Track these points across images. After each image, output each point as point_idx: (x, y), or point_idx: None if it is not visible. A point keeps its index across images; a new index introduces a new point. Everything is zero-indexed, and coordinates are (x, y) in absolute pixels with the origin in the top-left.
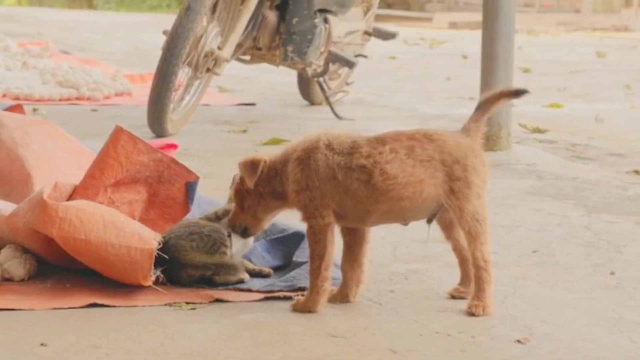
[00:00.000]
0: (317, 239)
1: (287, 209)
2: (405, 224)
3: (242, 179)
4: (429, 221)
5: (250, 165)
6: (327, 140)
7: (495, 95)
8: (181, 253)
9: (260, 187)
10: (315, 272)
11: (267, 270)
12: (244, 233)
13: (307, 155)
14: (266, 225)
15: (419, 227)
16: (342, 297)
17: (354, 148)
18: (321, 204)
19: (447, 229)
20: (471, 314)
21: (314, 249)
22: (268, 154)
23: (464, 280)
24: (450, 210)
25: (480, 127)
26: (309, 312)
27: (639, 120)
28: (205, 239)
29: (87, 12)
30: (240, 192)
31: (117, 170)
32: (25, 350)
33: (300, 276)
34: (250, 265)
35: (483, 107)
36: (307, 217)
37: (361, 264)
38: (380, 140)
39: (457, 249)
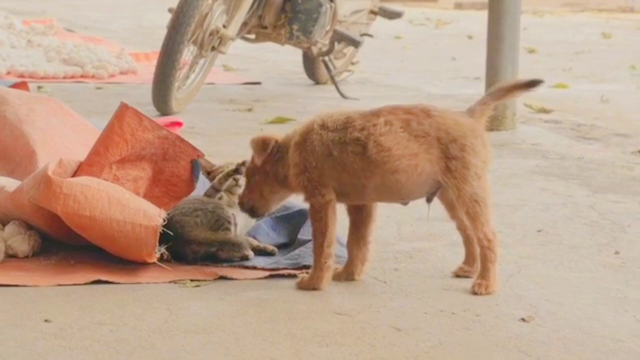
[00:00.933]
0: (318, 217)
1: (294, 194)
2: (405, 203)
3: (253, 157)
4: (429, 200)
5: (262, 143)
6: (321, 120)
7: (510, 87)
8: (185, 229)
9: (268, 166)
10: (319, 250)
11: (271, 248)
12: (252, 212)
13: (303, 139)
14: (273, 207)
15: (423, 206)
16: (347, 274)
17: (348, 123)
18: (319, 182)
19: (451, 208)
20: (474, 292)
21: (316, 227)
22: (280, 134)
23: (468, 259)
24: (449, 190)
25: (486, 111)
26: (314, 289)
27: None
28: (209, 215)
29: None
30: (250, 171)
31: (122, 147)
32: (30, 326)
33: (305, 254)
34: (255, 243)
35: (495, 94)
36: (307, 197)
37: (367, 242)
38: (375, 114)
39: (462, 228)
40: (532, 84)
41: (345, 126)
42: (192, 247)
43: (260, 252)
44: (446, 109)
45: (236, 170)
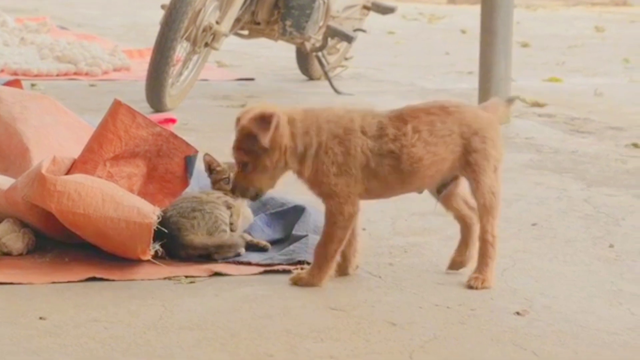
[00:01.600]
0: (345, 225)
1: (299, 177)
2: (420, 192)
3: (242, 138)
4: (439, 192)
5: (262, 121)
6: (361, 122)
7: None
8: (182, 232)
9: (274, 144)
10: (330, 254)
11: (263, 243)
12: (257, 197)
13: (347, 137)
14: (267, 189)
15: (418, 201)
16: (341, 270)
17: (382, 130)
18: (355, 190)
19: (447, 200)
20: (470, 286)
21: (337, 234)
22: (278, 106)
23: (461, 247)
24: (468, 182)
25: (499, 108)
26: (311, 286)
27: (637, 94)
28: (207, 217)
29: None
30: (241, 152)
31: (116, 144)
32: (24, 324)
33: (300, 250)
34: (248, 237)
35: (511, 101)
36: (338, 202)
37: (356, 234)
38: (401, 119)
39: (460, 217)
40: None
41: (379, 134)
42: (188, 251)
43: (253, 247)
44: (461, 102)
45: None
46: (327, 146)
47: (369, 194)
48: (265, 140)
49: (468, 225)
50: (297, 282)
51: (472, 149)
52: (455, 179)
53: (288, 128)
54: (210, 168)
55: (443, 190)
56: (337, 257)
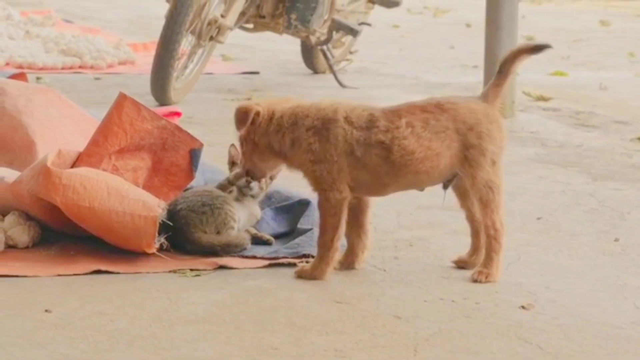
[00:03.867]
0: (333, 212)
1: (288, 168)
2: (421, 189)
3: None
4: (445, 187)
5: (242, 113)
6: (345, 112)
7: (514, 53)
8: (190, 228)
9: (255, 136)
10: (327, 244)
11: (267, 237)
12: (247, 174)
13: (324, 127)
14: (269, 172)
15: (423, 195)
16: (347, 263)
17: (372, 122)
18: (338, 178)
19: (462, 197)
20: (475, 280)
21: (329, 222)
22: (270, 102)
23: (471, 250)
24: (464, 178)
25: (499, 92)
26: (314, 279)
27: None
28: (216, 213)
29: None
30: (241, 138)
31: (121, 138)
32: (30, 316)
33: (305, 243)
34: (253, 231)
35: (503, 69)
36: (322, 189)
37: (366, 230)
38: (396, 113)
39: (471, 219)
40: (538, 48)
41: (369, 125)
42: (194, 247)
43: (258, 240)
44: (457, 97)
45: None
46: (300, 139)
47: (361, 186)
48: (240, 131)
49: (476, 231)
50: (301, 275)
51: (468, 145)
52: (457, 174)
53: (265, 125)
54: (233, 161)
55: (449, 186)
56: (337, 247)
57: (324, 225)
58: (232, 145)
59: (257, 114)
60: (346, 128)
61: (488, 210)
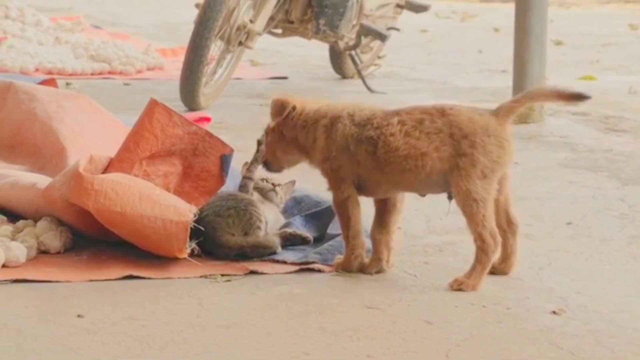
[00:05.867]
0: (340, 211)
1: (309, 165)
2: (423, 195)
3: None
4: (450, 198)
5: (279, 105)
6: (352, 110)
7: (551, 94)
8: (217, 232)
9: (284, 129)
10: (345, 240)
11: (305, 235)
12: (265, 165)
13: (331, 124)
14: (287, 166)
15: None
16: (376, 264)
17: (369, 120)
18: (338, 175)
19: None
20: (450, 286)
21: (340, 220)
22: (305, 100)
23: (502, 257)
24: (451, 186)
25: (515, 110)
26: (344, 270)
27: None
28: (242, 214)
29: None
30: (268, 129)
31: (152, 143)
32: (62, 321)
33: (334, 249)
34: (289, 230)
35: (533, 96)
36: (330, 188)
37: (390, 231)
38: (395, 113)
39: (497, 226)
40: (577, 97)
41: (365, 122)
42: (223, 251)
43: (295, 239)
44: (468, 107)
45: (258, 149)
46: (317, 137)
47: (360, 184)
48: (272, 122)
49: (502, 237)
50: (336, 269)
51: (461, 152)
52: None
53: (296, 119)
54: (245, 176)
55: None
56: (358, 243)
57: (339, 222)
58: (245, 163)
59: (294, 108)
60: (346, 124)
61: (472, 222)
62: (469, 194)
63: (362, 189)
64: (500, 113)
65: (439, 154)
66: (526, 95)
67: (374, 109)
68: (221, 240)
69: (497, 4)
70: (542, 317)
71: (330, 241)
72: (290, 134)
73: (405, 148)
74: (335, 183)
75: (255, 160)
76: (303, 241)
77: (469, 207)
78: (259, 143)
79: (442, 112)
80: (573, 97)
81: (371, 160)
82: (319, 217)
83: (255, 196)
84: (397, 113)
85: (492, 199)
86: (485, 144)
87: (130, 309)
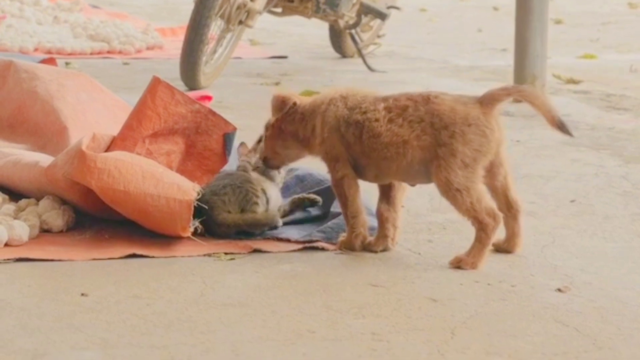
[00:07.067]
0: (337, 191)
1: (311, 156)
2: (412, 185)
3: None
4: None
5: (280, 101)
6: (346, 93)
7: (542, 107)
8: (215, 211)
9: (283, 124)
10: (345, 219)
11: (313, 196)
12: (264, 162)
13: (326, 107)
14: (287, 162)
15: None
16: (382, 242)
17: (358, 103)
18: (332, 155)
19: (492, 188)
20: (450, 264)
21: (338, 199)
22: (302, 97)
23: (507, 236)
24: (432, 177)
25: (500, 98)
26: (348, 249)
27: None
28: (237, 191)
29: None
30: (268, 124)
31: (155, 122)
32: (67, 300)
33: (337, 227)
34: (297, 196)
35: (523, 94)
36: (328, 170)
37: (396, 207)
38: (383, 99)
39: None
40: (561, 127)
41: (354, 106)
42: (222, 229)
43: (304, 202)
44: (453, 96)
45: (260, 140)
46: (315, 125)
47: (355, 167)
48: (273, 118)
49: (504, 221)
50: (340, 247)
51: (441, 142)
52: None
53: (292, 116)
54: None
55: None
56: (359, 222)
57: (339, 202)
58: (242, 143)
59: (294, 104)
60: (339, 106)
61: (461, 212)
62: (449, 184)
63: (356, 172)
64: (485, 101)
65: (420, 143)
66: (516, 88)
67: (366, 94)
68: (218, 218)
69: None
70: (546, 295)
71: (334, 219)
72: (290, 128)
73: (387, 135)
74: (330, 163)
75: (254, 149)
76: (312, 203)
77: (453, 198)
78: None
79: (427, 100)
80: (558, 124)
81: (358, 144)
82: (321, 194)
83: (255, 175)
84: (385, 99)
85: (478, 183)
86: (465, 133)
87: (134, 288)
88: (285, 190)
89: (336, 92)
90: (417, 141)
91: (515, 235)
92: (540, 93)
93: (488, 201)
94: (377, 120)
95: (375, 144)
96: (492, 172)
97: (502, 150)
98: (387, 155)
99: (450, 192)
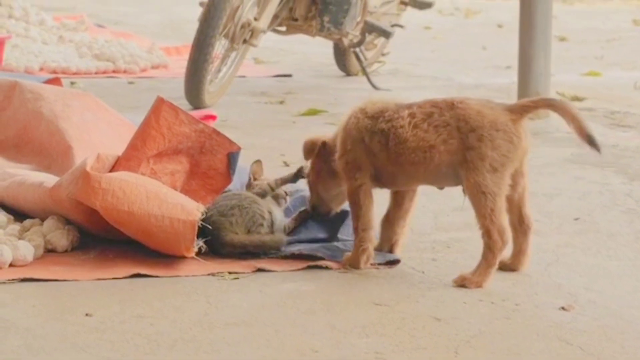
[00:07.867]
0: (352, 200)
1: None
2: (440, 188)
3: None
4: (465, 192)
5: (310, 145)
6: (364, 104)
7: (572, 117)
8: (221, 232)
9: (317, 166)
10: (355, 232)
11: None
12: (313, 210)
13: (347, 122)
14: (334, 205)
15: (459, 196)
16: (385, 245)
17: (381, 112)
18: (354, 165)
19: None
20: (455, 282)
21: (351, 210)
22: (328, 136)
23: (513, 253)
24: (462, 180)
25: (529, 109)
26: (352, 267)
27: None
28: (244, 213)
29: None
30: (308, 172)
31: (159, 141)
32: (71, 320)
33: (344, 247)
34: (303, 208)
35: (554, 107)
36: (345, 180)
37: (405, 222)
38: (407, 106)
39: (511, 223)
40: (589, 139)
41: (377, 115)
42: (228, 249)
43: (307, 217)
44: (479, 100)
45: (296, 175)
46: (337, 142)
47: (378, 176)
48: (307, 162)
49: (513, 235)
50: (344, 265)
51: (468, 146)
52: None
53: (325, 157)
54: (254, 177)
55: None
56: (367, 237)
57: (351, 213)
58: (256, 161)
59: (323, 144)
60: (359, 117)
61: (480, 216)
62: (477, 186)
63: (380, 181)
64: (514, 110)
65: (447, 147)
66: (547, 100)
67: (387, 102)
68: (225, 239)
69: (500, 0)
70: (551, 313)
71: (339, 242)
72: (325, 167)
73: (413, 140)
74: (350, 172)
75: (286, 180)
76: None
77: (477, 200)
78: (299, 170)
79: (451, 105)
80: (587, 138)
81: (384, 152)
82: (330, 219)
83: (268, 199)
84: (409, 106)
85: (503, 194)
86: (494, 137)
87: (138, 307)
88: (293, 211)
89: (353, 108)
90: (444, 145)
91: (522, 253)
92: (571, 106)
93: (504, 220)
94: (402, 127)
95: (402, 149)
96: (513, 181)
97: (525, 161)
98: (414, 160)
99: (477, 194)
